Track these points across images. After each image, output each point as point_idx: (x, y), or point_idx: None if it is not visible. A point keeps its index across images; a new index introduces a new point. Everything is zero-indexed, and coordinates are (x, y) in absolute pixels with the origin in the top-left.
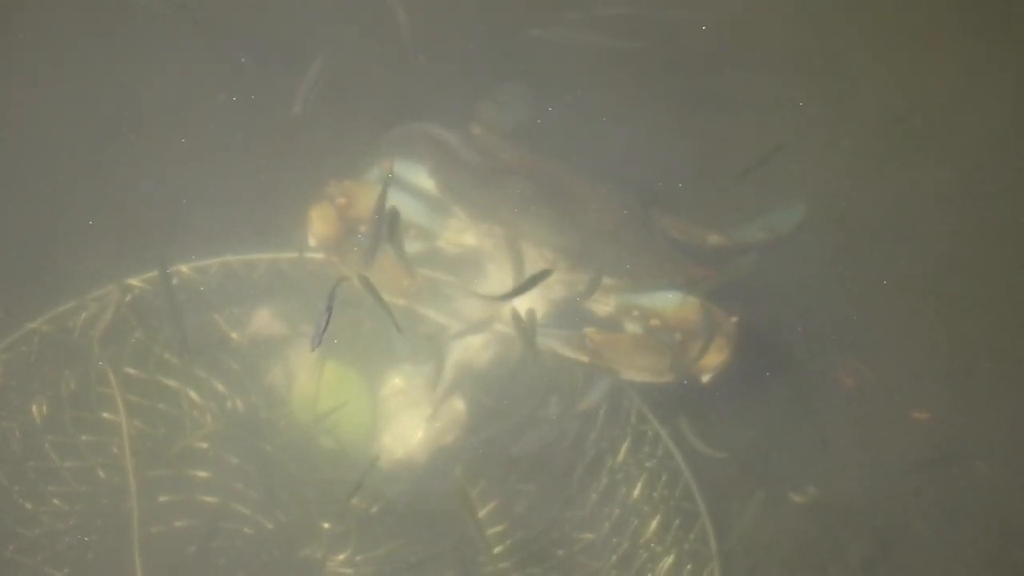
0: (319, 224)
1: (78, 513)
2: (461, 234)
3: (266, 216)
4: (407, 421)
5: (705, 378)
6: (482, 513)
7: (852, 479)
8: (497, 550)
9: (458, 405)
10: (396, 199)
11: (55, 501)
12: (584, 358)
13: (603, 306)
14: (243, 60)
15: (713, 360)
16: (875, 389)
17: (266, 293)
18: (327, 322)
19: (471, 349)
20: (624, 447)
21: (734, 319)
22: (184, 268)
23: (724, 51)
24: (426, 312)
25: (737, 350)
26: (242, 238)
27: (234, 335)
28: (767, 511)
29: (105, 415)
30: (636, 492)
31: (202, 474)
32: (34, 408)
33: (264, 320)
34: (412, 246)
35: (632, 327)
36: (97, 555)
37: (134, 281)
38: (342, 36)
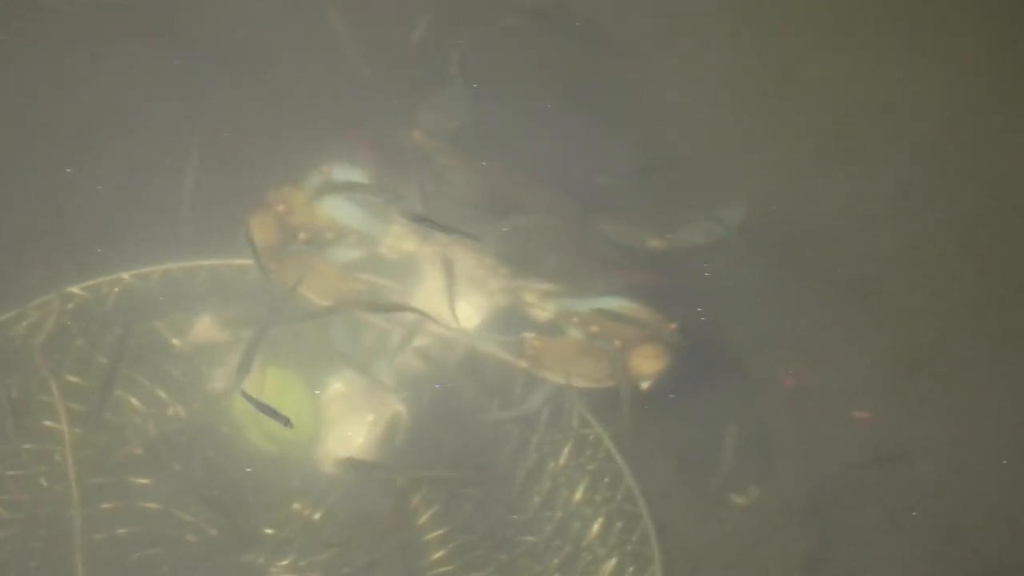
0: (258, 231)
1: (20, 522)
2: (401, 240)
3: (206, 222)
4: (349, 426)
5: (644, 385)
6: (424, 517)
7: (793, 479)
8: (439, 554)
9: (399, 409)
10: (336, 205)
11: None
12: (523, 364)
13: (543, 312)
14: (177, 63)
15: (652, 367)
16: (816, 389)
17: (208, 300)
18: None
19: (411, 353)
20: (566, 450)
21: (673, 325)
22: (125, 276)
23: (663, 51)
24: (366, 318)
25: (676, 356)
26: (183, 245)
27: (176, 342)
28: (707, 513)
29: (47, 423)
30: (578, 495)
31: (144, 481)
32: None
33: (206, 327)
34: (352, 253)
35: (572, 333)
36: (40, 563)
37: (75, 289)
38: (280, 42)
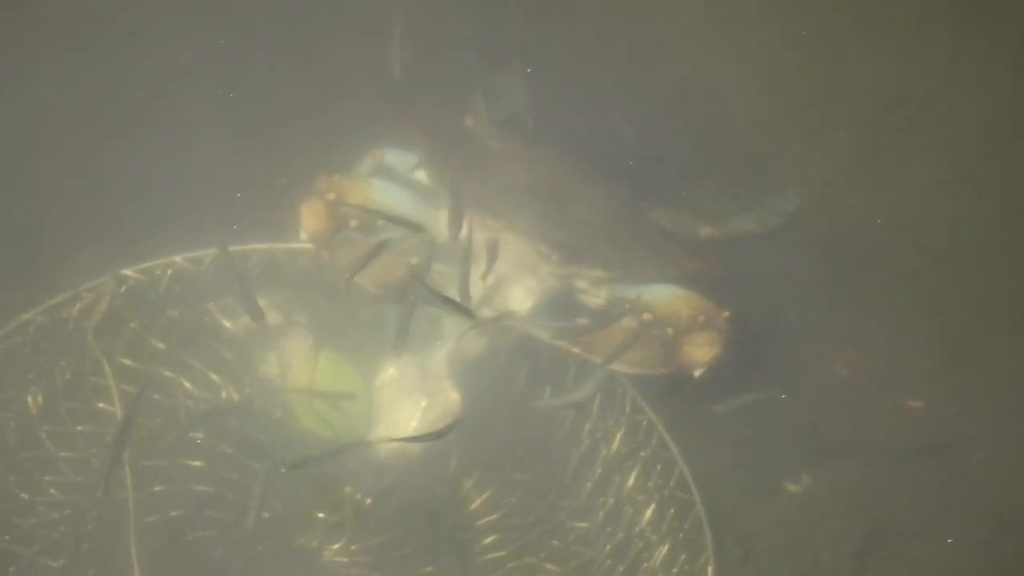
0: (309, 220)
1: (73, 503)
2: (452, 227)
3: (260, 206)
4: (401, 411)
5: (696, 373)
6: (476, 503)
7: (845, 468)
8: (491, 539)
9: (452, 395)
10: (387, 190)
11: (51, 491)
12: (576, 350)
13: (595, 299)
14: (223, 42)
15: (704, 355)
16: (868, 378)
17: (260, 283)
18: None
19: (464, 339)
20: (619, 437)
21: (726, 314)
22: (178, 259)
23: (715, 43)
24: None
25: (728, 344)
26: (236, 228)
27: (228, 325)
28: (759, 501)
29: (100, 405)
30: (630, 482)
31: (197, 464)
32: (29, 398)
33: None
34: (402, 239)
35: (625, 320)
36: (92, 545)
37: (129, 271)
38: (329, 25)
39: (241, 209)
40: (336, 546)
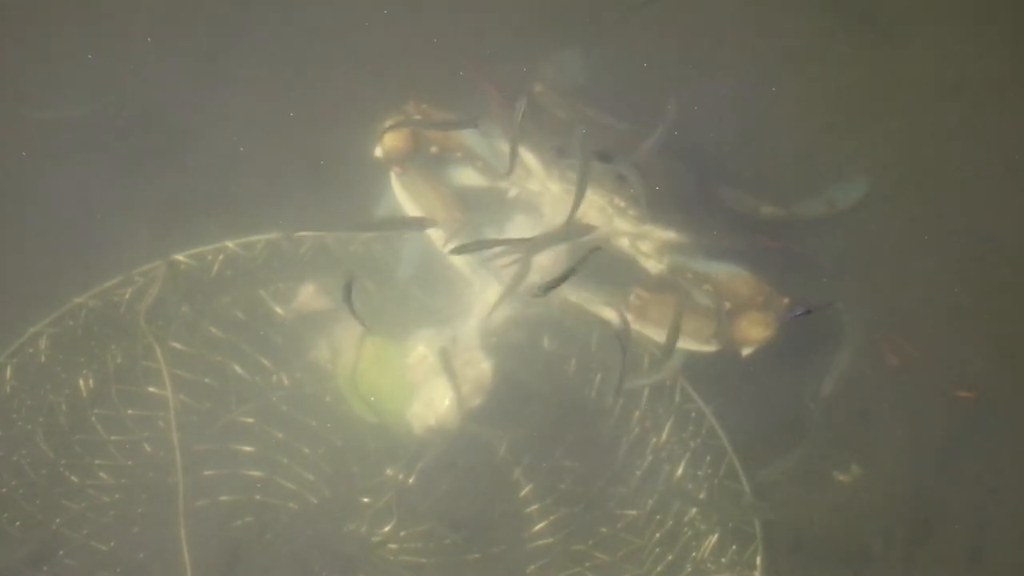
0: (391, 136)
1: (124, 487)
2: (527, 178)
3: (312, 193)
4: (435, 388)
5: (745, 351)
6: (526, 490)
7: (895, 458)
8: (541, 525)
9: (484, 367)
10: (468, 135)
11: (101, 474)
12: (630, 316)
13: (656, 264)
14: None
15: (759, 334)
16: (919, 367)
17: (311, 269)
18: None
19: (495, 311)
20: (668, 426)
21: (786, 300)
22: (230, 244)
23: (776, 26)
24: (458, 267)
25: (782, 329)
26: (288, 215)
27: (279, 310)
28: (810, 489)
29: (151, 389)
30: (680, 471)
31: (247, 448)
32: (81, 382)
33: (309, 295)
34: (475, 178)
35: (684, 287)
36: (143, 528)
37: (181, 256)
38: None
39: (293, 194)
40: (385, 531)
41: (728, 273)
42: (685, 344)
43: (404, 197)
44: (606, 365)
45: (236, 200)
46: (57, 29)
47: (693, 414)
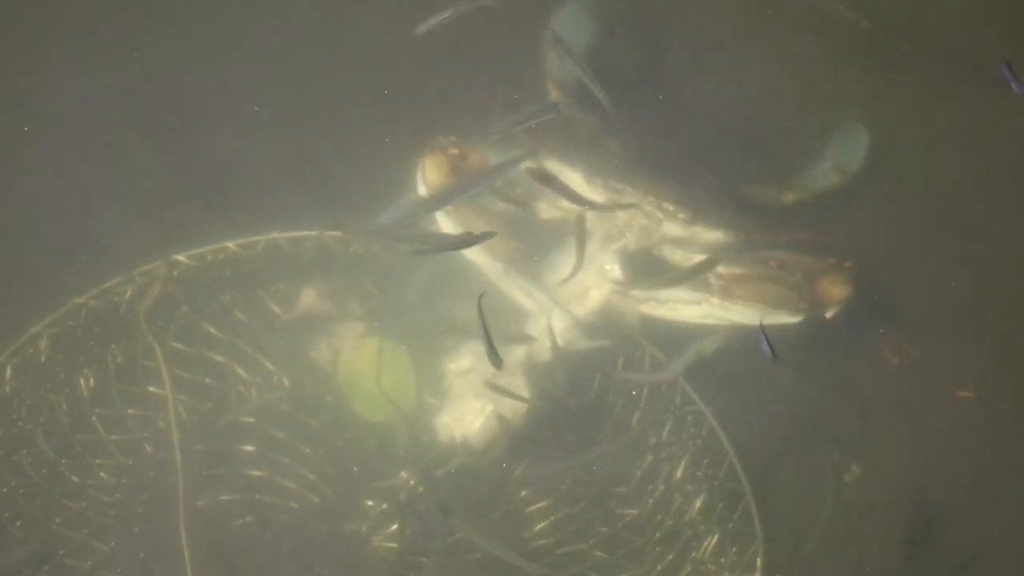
0: (432, 172)
1: (124, 486)
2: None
3: (312, 194)
4: (469, 407)
5: (829, 313)
6: (526, 490)
7: (895, 458)
8: (542, 525)
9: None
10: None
11: (102, 474)
12: (714, 298)
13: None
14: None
15: (840, 292)
16: (919, 367)
17: (312, 270)
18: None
19: (543, 336)
20: (668, 426)
21: (848, 264)
22: (230, 244)
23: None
24: (507, 291)
25: (856, 286)
26: (289, 216)
27: (279, 311)
28: (810, 490)
29: (152, 389)
30: (679, 471)
31: (248, 448)
32: (81, 382)
33: (310, 297)
34: (514, 207)
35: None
36: (143, 528)
37: (181, 257)
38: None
39: (295, 195)
40: (386, 532)
41: (782, 252)
42: (775, 318)
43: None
44: (606, 366)
45: (236, 200)
46: (57, 29)
47: (693, 415)
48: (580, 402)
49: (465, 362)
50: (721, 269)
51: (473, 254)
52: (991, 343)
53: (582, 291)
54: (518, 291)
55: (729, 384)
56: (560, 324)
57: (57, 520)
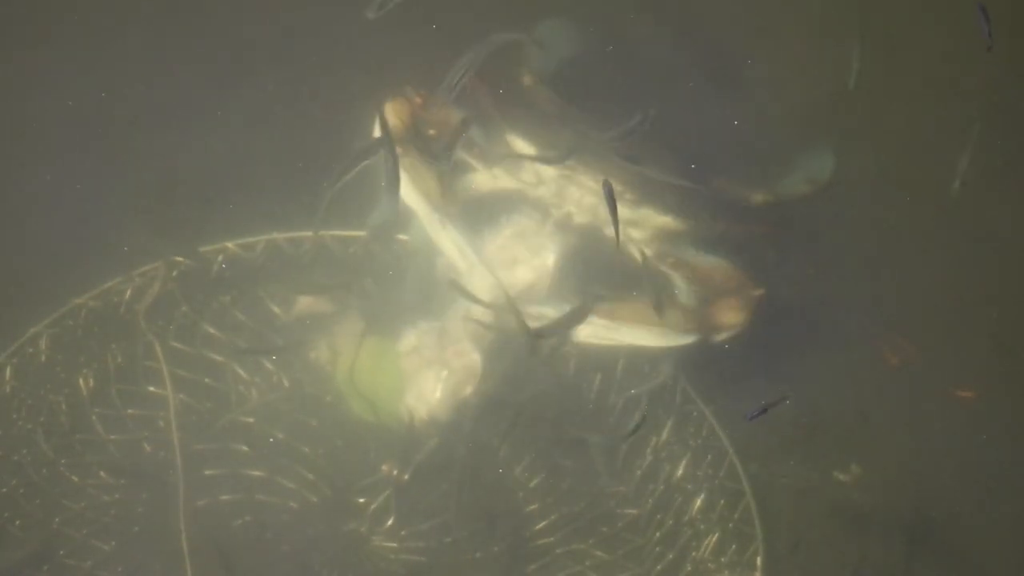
0: (392, 115)
1: (124, 486)
2: (519, 169)
3: (313, 194)
4: (425, 380)
5: (720, 337)
6: (526, 489)
7: (896, 457)
8: (542, 525)
9: (473, 357)
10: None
11: (101, 474)
12: (601, 321)
13: (644, 250)
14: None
15: (730, 319)
16: (918, 367)
17: (311, 269)
18: None
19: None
20: (668, 426)
21: (759, 292)
22: (230, 244)
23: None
24: (443, 243)
25: (755, 315)
26: (288, 216)
27: (279, 311)
28: (810, 490)
29: (151, 389)
30: (680, 470)
31: (247, 448)
32: (81, 382)
33: (310, 297)
34: (468, 164)
35: (663, 271)
36: (143, 528)
37: (180, 257)
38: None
39: (292, 195)
40: (385, 530)
41: (708, 262)
42: (662, 339)
43: (404, 178)
44: (606, 365)
45: (236, 200)
46: (56, 29)
47: (694, 414)
48: (571, 396)
49: (410, 340)
50: (605, 296)
51: (412, 201)
52: (991, 343)
53: (510, 260)
54: (449, 244)
55: (729, 384)
56: (483, 283)
57: (57, 520)
